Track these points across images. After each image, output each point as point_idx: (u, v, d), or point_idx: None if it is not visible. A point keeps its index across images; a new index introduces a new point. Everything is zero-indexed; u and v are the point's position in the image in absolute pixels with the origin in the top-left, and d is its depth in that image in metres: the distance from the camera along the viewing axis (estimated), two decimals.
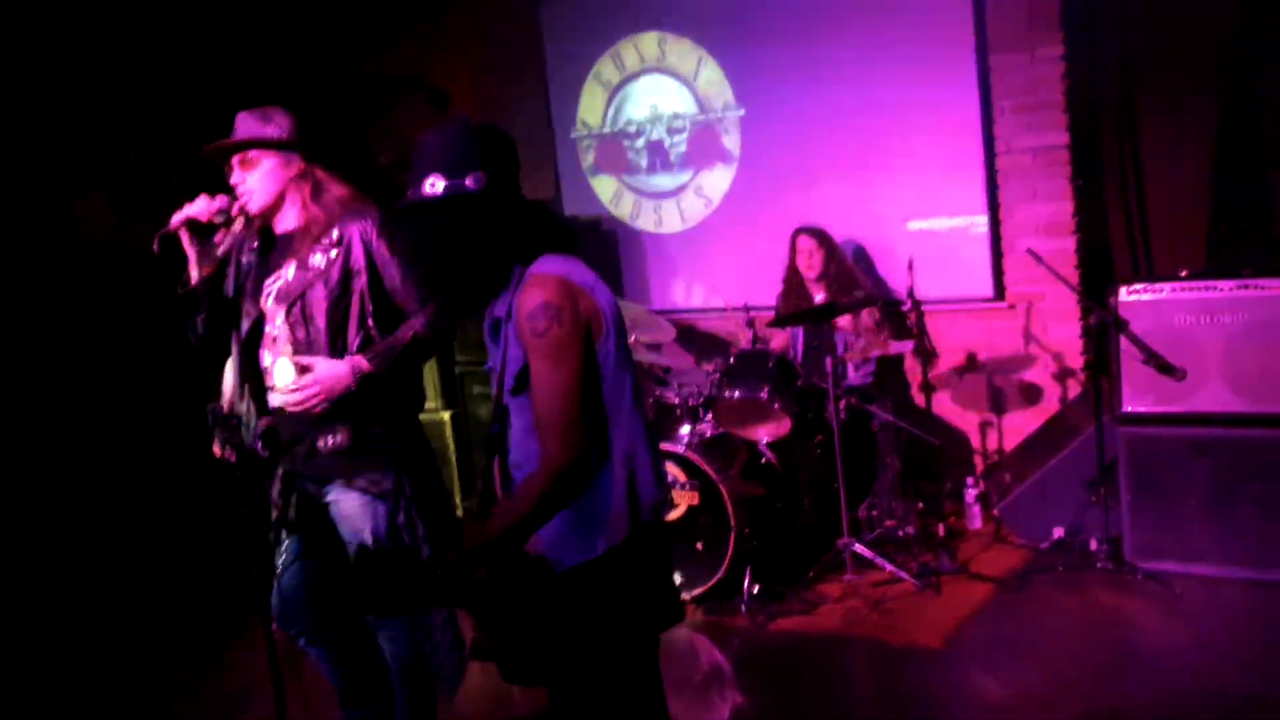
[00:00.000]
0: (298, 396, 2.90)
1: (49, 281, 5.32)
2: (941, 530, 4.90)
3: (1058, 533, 4.67)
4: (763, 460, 4.76)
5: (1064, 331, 5.30)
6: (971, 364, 5.43)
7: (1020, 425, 5.42)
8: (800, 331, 5.32)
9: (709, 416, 4.79)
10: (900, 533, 4.79)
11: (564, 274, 2.18)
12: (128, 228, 5.78)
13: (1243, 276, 4.23)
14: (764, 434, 4.73)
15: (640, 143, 6.27)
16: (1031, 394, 5.37)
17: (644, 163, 6.28)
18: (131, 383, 5.39)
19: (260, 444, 2.89)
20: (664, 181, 6.24)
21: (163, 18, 5.75)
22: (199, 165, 3.11)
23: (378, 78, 6.69)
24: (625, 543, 2.22)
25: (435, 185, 2.16)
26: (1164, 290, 4.36)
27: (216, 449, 2.84)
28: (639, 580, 2.27)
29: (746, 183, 5.98)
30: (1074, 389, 5.29)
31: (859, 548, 4.53)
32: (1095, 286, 4.84)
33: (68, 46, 5.47)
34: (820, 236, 5.23)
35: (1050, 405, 5.36)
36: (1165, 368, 4.09)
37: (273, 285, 3.01)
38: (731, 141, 5.99)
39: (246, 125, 3.00)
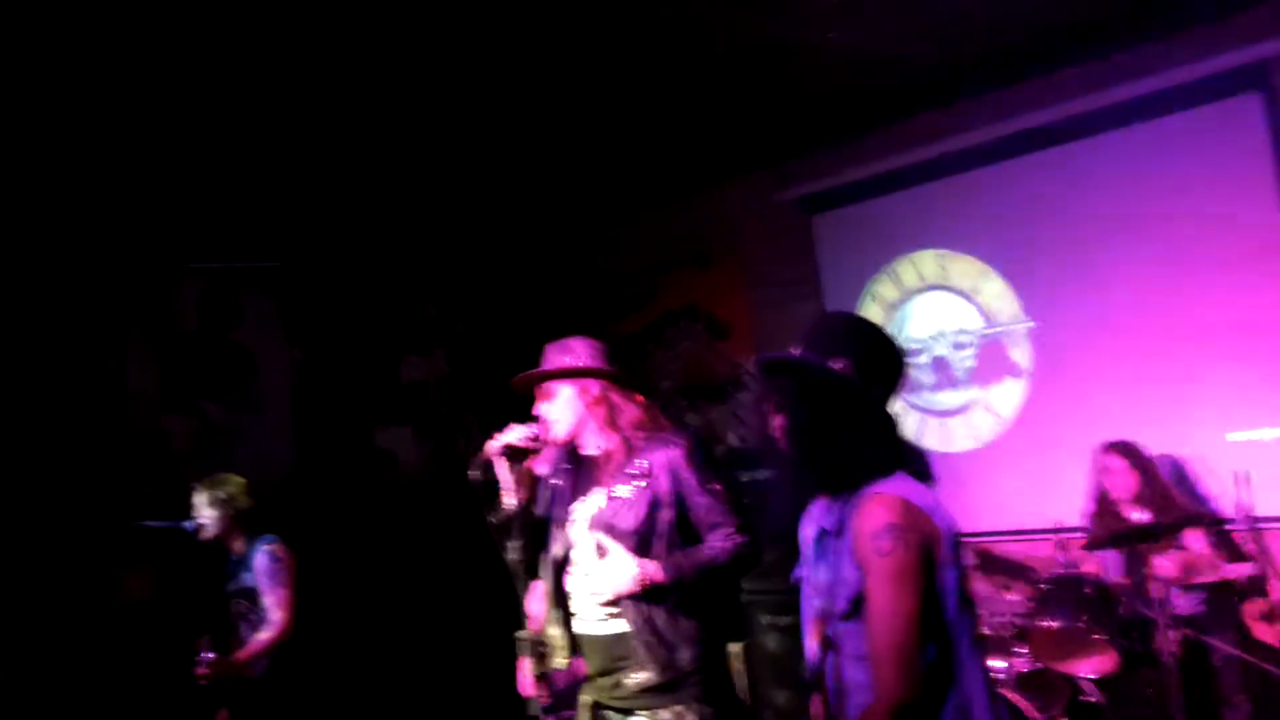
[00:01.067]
0: (588, 581, 2.95)
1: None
2: None
3: None
4: (1087, 699, 4.31)
5: None
6: None
7: None
8: (1113, 556, 4.88)
9: (1024, 649, 4.41)
10: None
11: (906, 495, 2.06)
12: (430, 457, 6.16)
13: None
14: (1087, 669, 4.29)
15: (924, 359, 6.12)
16: None
17: (928, 380, 6.12)
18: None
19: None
20: (949, 399, 6.03)
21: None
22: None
23: (659, 317, 6.98)
24: None
25: (835, 363, 2.17)
26: None
27: (527, 680, 2.84)
28: None
29: (1040, 396, 5.68)
30: None
31: None
32: None
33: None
34: (1130, 454, 4.85)
35: None
36: None
37: (577, 512, 3.09)
38: (1021, 354, 5.76)
39: (548, 358, 3.16)
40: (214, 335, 5.78)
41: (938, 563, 2.06)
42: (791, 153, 6.43)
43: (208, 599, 4.60)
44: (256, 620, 4.43)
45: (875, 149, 6.13)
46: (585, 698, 3.07)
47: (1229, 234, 5.02)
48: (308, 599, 4.47)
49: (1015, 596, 4.52)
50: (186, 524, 4.45)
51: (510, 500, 2.99)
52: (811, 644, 2.20)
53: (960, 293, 5.98)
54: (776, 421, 2.20)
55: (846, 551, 2.09)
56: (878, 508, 2.06)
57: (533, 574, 3.05)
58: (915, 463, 2.19)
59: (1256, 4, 4.82)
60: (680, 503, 2.98)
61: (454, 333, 7.00)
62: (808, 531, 2.31)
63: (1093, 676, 4.32)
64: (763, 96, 5.57)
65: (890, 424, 2.21)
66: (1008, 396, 5.80)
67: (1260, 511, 4.67)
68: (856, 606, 2.07)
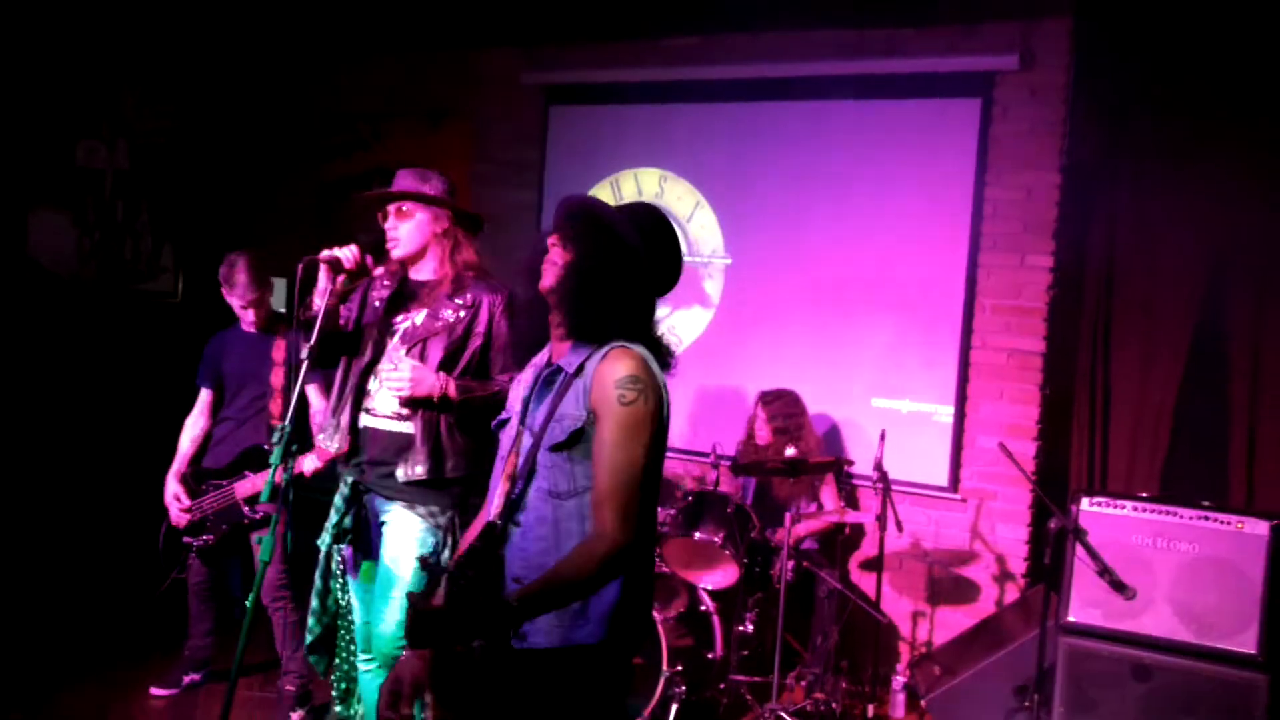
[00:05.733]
0: (392, 374, 3.27)
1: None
2: (871, 711, 4.77)
3: None
4: (701, 607, 4.63)
5: (1010, 534, 5.32)
6: (914, 550, 5.40)
7: (951, 620, 5.37)
8: (752, 484, 5.26)
9: (658, 552, 4.66)
10: (824, 708, 4.66)
11: (648, 357, 2.13)
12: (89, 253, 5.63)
13: (1204, 508, 4.29)
14: (709, 580, 4.61)
15: None
16: (969, 590, 5.35)
17: None
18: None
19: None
20: None
21: None
22: None
23: (374, 168, 6.74)
24: (606, 641, 2.11)
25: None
26: (1125, 507, 4.39)
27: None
28: (609, 682, 2.15)
29: (721, 329, 6.00)
30: (1011, 593, 5.27)
31: (785, 716, 4.38)
32: (1049, 495, 4.87)
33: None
34: (776, 407, 5.20)
35: (985, 605, 5.34)
36: (1117, 584, 4.09)
37: (400, 324, 3.41)
38: (713, 287, 6.03)
39: (406, 180, 3.41)
40: None
41: (663, 426, 2.15)
42: (546, 38, 6.35)
43: None
44: None
45: (628, 57, 6.18)
46: (348, 477, 3.42)
47: (924, 223, 5.46)
48: None
49: (660, 508, 4.75)
50: None
51: (319, 303, 3.21)
52: (501, 480, 2.24)
53: (672, 217, 6.13)
54: (557, 256, 2.21)
55: (577, 390, 2.13)
56: (626, 358, 2.11)
57: (316, 372, 3.39)
58: (658, 350, 2.26)
59: (1000, 19, 5.24)
60: (487, 339, 3.39)
61: (146, 129, 6.43)
62: (525, 375, 2.34)
63: (711, 587, 4.63)
64: None
65: (653, 306, 2.28)
66: (693, 324, 6.07)
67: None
68: (572, 439, 2.12)
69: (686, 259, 6.00)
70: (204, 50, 6.54)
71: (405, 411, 3.33)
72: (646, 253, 2.21)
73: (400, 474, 3.31)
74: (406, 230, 3.37)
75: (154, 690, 4.67)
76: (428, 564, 3.25)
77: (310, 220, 6.98)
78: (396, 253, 3.37)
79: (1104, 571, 4.09)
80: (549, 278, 2.21)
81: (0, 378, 5.02)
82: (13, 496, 5.23)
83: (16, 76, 5.58)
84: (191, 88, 6.58)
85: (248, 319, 4.52)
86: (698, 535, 4.53)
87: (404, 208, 3.37)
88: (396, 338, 3.39)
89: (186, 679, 4.73)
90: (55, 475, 5.07)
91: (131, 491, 4.65)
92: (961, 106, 5.35)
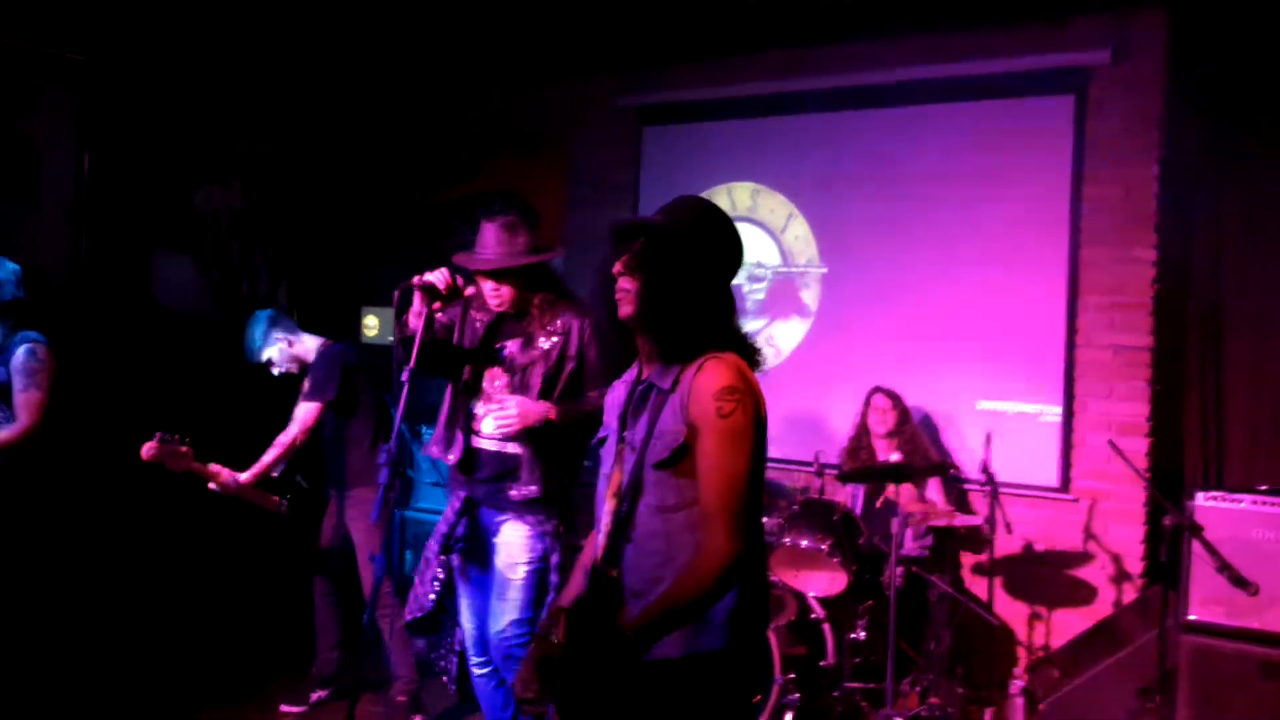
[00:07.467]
0: (501, 414, 3.50)
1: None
2: (988, 716, 4.74)
3: None
4: (811, 616, 4.65)
5: (1126, 533, 5.22)
6: (1026, 552, 5.35)
7: (1069, 622, 5.28)
8: (860, 491, 5.26)
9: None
10: (940, 713, 4.63)
11: (742, 364, 2.18)
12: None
13: None
14: (817, 587, 4.63)
15: None
16: (1085, 592, 5.26)
17: None
18: None
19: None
20: None
21: None
22: None
23: (474, 195, 6.94)
24: (730, 648, 2.16)
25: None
26: (1243, 502, 4.29)
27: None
28: (736, 687, 2.20)
29: (820, 339, 6.02)
30: (1129, 593, 5.17)
31: None
32: (1164, 492, 4.79)
33: None
34: (895, 398, 5.23)
35: (1102, 607, 5.24)
36: (1238, 580, 4.00)
37: (500, 352, 3.64)
38: (810, 297, 6.06)
39: (494, 244, 3.57)
40: (1, 116, 5.32)
41: (763, 427, 2.20)
42: (638, 62, 6.47)
43: None
44: (3, 418, 4.20)
45: (718, 75, 6.26)
46: (461, 492, 3.68)
47: (1020, 222, 5.42)
48: (60, 409, 4.26)
49: (765, 518, 4.78)
50: None
51: (414, 323, 3.40)
52: (608, 495, 2.30)
53: (766, 228, 6.21)
54: (627, 284, 2.24)
55: (675, 406, 2.17)
56: (721, 369, 2.15)
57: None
58: (745, 349, 2.30)
59: (1090, 14, 5.19)
60: (579, 362, 3.59)
61: (257, 168, 6.70)
62: (618, 392, 2.40)
63: (820, 595, 4.66)
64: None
65: (732, 302, 2.32)
66: (790, 334, 6.11)
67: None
68: (675, 456, 2.16)
69: (781, 269, 6.12)
70: (309, 89, 6.80)
71: (504, 433, 3.56)
72: (705, 247, 2.25)
73: (514, 493, 3.57)
74: (504, 292, 3.59)
75: (284, 708, 4.85)
76: (541, 573, 3.57)
77: (416, 249, 7.20)
78: (500, 308, 3.63)
79: (1223, 568, 4.01)
80: (626, 306, 2.24)
81: (130, 413, 5.28)
82: (141, 523, 5.49)
83: (139, 130, 5.88)
84: (298, 126, 6.84)
85: None
86: (804, 543, 4.56)
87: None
88: (498, 367, 3.64)
89: (314, 696, 4.91)
90: (183, 502, 5.33)
91: (251, 514, 4.86)
92: (1054, 104, 5.31)
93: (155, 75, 5.92)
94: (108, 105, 5.69)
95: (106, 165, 5.72)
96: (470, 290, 3.55)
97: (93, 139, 5.66)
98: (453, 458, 3.67)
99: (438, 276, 3.42)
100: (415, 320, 3.42)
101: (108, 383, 5.42)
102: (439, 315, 3.59)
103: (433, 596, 3.70)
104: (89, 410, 5.00)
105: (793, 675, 4.34)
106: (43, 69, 5.48)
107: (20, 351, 4.21)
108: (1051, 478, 5.36)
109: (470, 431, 3.66)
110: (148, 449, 4.35)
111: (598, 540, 2.31)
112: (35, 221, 5.52)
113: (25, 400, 4.17)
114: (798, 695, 4.36)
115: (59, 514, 4.38)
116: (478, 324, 3.72)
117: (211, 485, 4.55)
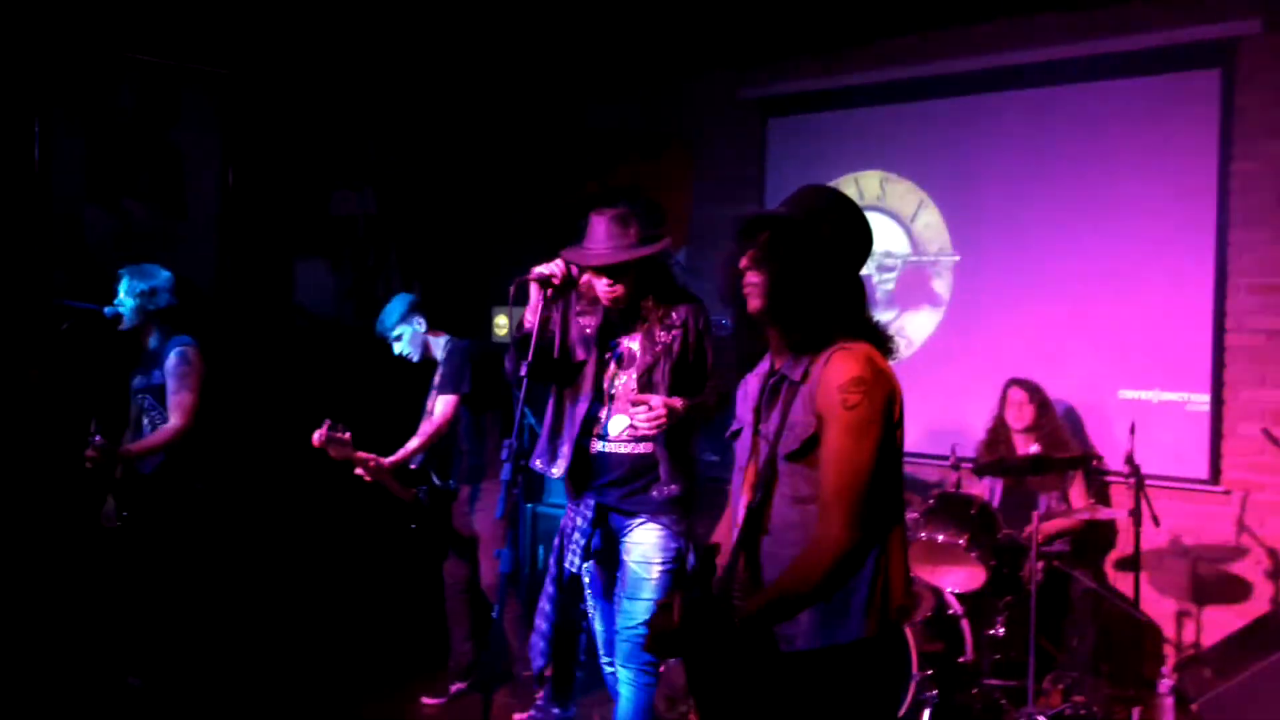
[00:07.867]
0: (648, 414, 3.39)
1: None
2: (1136, 716, 4.58)
3: None
4: (949, 611, 4.57)
5: None
6: (1174, 547, 5.15)
7: (1221, 620, 5.07)
8: (999, 484, 5.14)
9: None
10: (1084, 711, 4.50)
11: (872, 354, 2.16)
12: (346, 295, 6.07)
13: None
14: (954, 582, 4.55)
15: None
16: (1239, 588, 5.04)
17: None
18: None
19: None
20: None
21: None
22: None
23: (601, 194, 6.99)
24: (868, 639, 2.14)
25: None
26: None
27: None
28: (877, 678, 2.18)
29: (953, 328, 5.90)
30: None
31: None
32: None
33: None
34: (1033, 390, 5.09)
35: (1258, 603, 5.01)
36: None
37: (618, 350, 3.57)
38: (942, 286, 5.94)
39: (605, 238, 3.43)
40: (151, 129, 5.59)
41: (895, 422, 2.17)
42: (760, 55, 6.44)
43: (110, 387, 4.54)
44: (159, 419, 4.39)
45: (842, 64, 6.19)
46: (590, 499, 3.58)
47: (1164, 204, 5.22)
48: (210, 408, 4.44)
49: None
50: (106, 309, 4.35)
51: (530, 319, 3.41)
52: (743, 488, 2.31)
53: (896, 217, 6.11)
54: (754, 278, 2.24)
55: (805, 398, 2.17)
56: (848, 360, 2.14)
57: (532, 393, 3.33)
58: (878, 338, 2.27)
59: None
60: (698, 353, 3.53)
61: (388, 171, 6.88)
62: (751, 385, 2.40)
63: (957, 590, 4.57)
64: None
65: (862, 291, 2.30)
66: (922, 324, 6.00)
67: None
68: (806, 448, 2.15)
69: (911, 259, 6.01)
70: (438, 95, 6.95)
71: (640, 434, 3.49)
72: (832, 236, 2.23)
73: (655, 494, 3.50)
74: (618, 288, 3.47)
75: (424, 700, 4.99)
76: (676, 572, 3.50)
77: (545, 250, 7.30)
78: (613, 304, 3.51)
79: None
80: (755, 300, 2.24)
81: (276, 416, 5.49)
82: (289, 523, 5.71)
83: (278, 139, 6.10)
84: (427, 131, 7.00)
85: None
86: (941, 538, 4.48)
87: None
88: (618, 363, 3.56)
89: (453, 687, 5.03)
90: (322, 497, 5.53)
91: (388, 510, 5.01)
92: (1198, 79, 5.10)
93: (291, 86, 6.12)
94: (248, 117, 5.93)
95: (248, 176, 5.96)
96: (585, 278, 3.49)
97: (236, 151, 5.91)
98: (557, 470, 3.60)
99: (552, 267, 3.39)
100: (531, 317, 3.42)
101: (254, 384, 5.64)
102: (553, 322, 3.55)
103: (540, 661, 3.77)
104: (237, 410, 5.21)
105: (930, 671, 4.28)
106: (188, 83, 5.73)
107: (173, 355, 4.40)
108: (1200, 469, 5.15)
109: (589, 437, 3.58)
110: (318, 435, 4.56)
111: (732, 534, 2.32)
112: (184, 231, 5.78)
113: (178, 402, 4.37)
114: (935, 691, 4.29)
115: (213, 510, 4.57)
116: (587, 329, 3.63)
117: (358, 470, 4.69)
